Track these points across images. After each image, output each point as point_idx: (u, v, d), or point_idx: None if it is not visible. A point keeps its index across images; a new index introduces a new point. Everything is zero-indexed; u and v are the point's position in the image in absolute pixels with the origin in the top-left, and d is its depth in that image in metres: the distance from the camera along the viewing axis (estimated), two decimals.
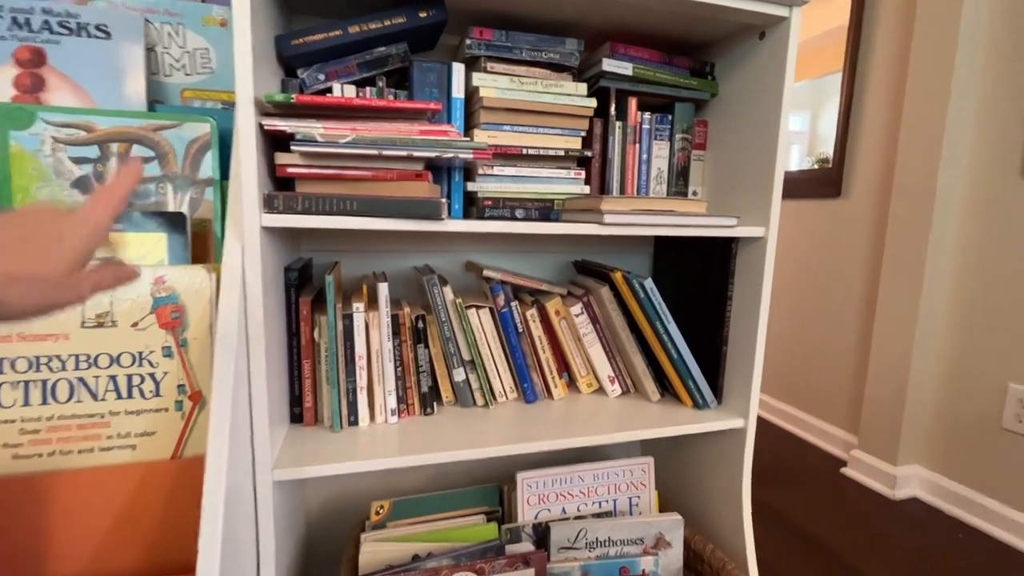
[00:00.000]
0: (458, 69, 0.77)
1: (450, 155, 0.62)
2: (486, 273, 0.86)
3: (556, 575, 0.80)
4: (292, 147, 0.58)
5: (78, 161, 0.60)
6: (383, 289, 0.75)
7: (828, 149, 1.84)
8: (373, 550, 0.76)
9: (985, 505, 1.36)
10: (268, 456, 0.62)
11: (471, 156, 0.62)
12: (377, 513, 0.86)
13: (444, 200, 0.62)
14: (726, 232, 0.78)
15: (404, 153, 0.60)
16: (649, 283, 0.81)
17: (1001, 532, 1.32)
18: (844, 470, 1.66)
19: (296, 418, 0.77)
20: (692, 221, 0.75)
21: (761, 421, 2.05)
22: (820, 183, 1.82)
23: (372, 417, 0.78)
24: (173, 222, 0.59)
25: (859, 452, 1.63)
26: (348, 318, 0.74)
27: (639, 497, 0.93)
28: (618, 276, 0.82)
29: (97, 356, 0.53)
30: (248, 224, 0.58)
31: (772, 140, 0.78)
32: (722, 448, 0.90)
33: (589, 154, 0.86)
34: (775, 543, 1.27)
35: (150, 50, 0.67)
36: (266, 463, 0.62)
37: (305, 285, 0.80)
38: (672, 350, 0.84)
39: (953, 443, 1.46)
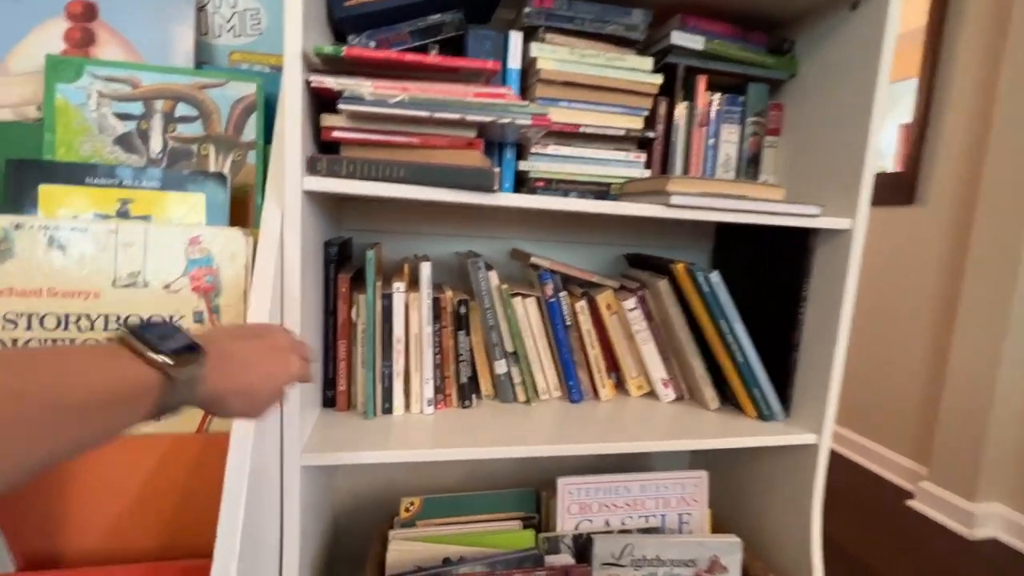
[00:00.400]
0: (515, 38, 0.72)
1: (506, 120, 0.56)
2: (534, 260, 0.81)
3: None
4: (339, 106, 0.54)
5: (122, 117, 0.57)
6: (425, 268, 0.70)
7: (886, 163, 1.72)
8: (402, 549, 0.71)
9: None
10: (297, 438, 0.58)
11: (529, 122, 0.57)
12: (407, 510, 0.81)
13: (496, 169, 0.57)
14: (807, 223, 0.69)
15: (457, 116, 0.55)
16: (716, 276, 0.73)
17: None
18: (910, 503, 1.51)
19: (328, 402, 0.73)
20: (769, 208, 0.67)
21: None
22: (890, 189, 1.68)
23: (407, 406, 0.73)
24: (213, 183, 0.56)
25: (929, 484, 1.48)
26: (387, 298, 0.69)
27: (690, 514, 0.84)
28: (680, 268, 0.75)
29: (127, 317, 0.50)
30: (289, 186, 0.54)
31: (863, 123, 0.69)
32: (789, 466, 0.81)
33: (652, 135, 0.79)
34: None
35: (200, 9, 0.65)
36: (295, 446, 0.58)
37: (345, 263, 0.76)
38: (737, 353, 0.76)
39: None
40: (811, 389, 0.77)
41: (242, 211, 0.61)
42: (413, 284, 0.73)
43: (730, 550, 0.77)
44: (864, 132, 0.69)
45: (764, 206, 0.67)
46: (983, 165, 1.39)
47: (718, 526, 0.90)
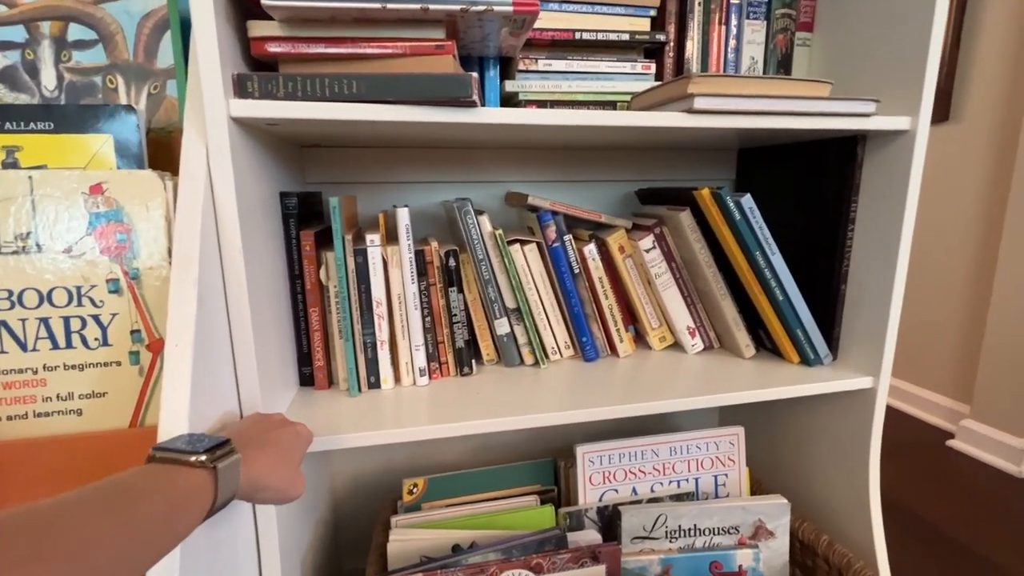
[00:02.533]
0: None
1: (481, 7, 0.44)
2: (532, 200, 0.69)
3: (630, 570, 0.65)
4: (264, 3, 0.42)
5: (1, 47, 0.46)
6: (403, 216, 0.59)
7: None
8: (404, 538, 0.62)
9: None
10: None
11: (510, 8, 0.44)
12: (410, 493, 0.72)
13: (474, 75, 0.45)
14: (859, 124, 0.57)
15: (417, 6, 0.43)
16: (748, 200, 0.62)
17: None
18: (951, 443, 1.42)
19: (306, 380, 0.63)
20: (815, 108, 0.55)
21: None
22: None
23: (397, 379, 0.63)
24: (120, 118, 0.45)
25: (971, 422, 1.39)
26: (361, 254, 0.59)
27: (726, 475, 0.75)
28: (705, 194, 0.63)
29: (22, 292, 0.40)
30: (212, 113, 0.43)
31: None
32: (838, 416, 0.71)
33: (661, 39, 0.66)
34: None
35: None
36: None
37: (311, 220, 0.66)
38: (776, 289, 0.65)
39: None
40: (864, 326, 0.66)
41: (167, 157, 0.50)
42: (391, 237, 0.62)
43: (777, 513, 0.68)
44: (927, 8, 0.56)
45: (808, 105, 0.55)
46: None
47: (757, 487, 0.82)
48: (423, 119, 0.46)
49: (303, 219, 0.60)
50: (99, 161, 0.44)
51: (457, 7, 0.44)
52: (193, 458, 0.32)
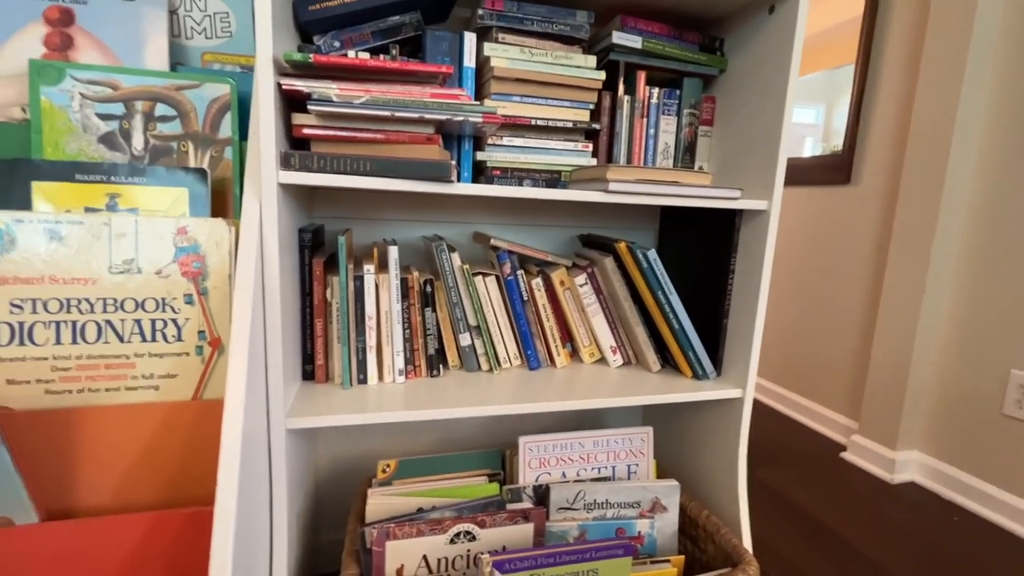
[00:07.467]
0: (470, 38, 0.78)
1: (460, 119, 0.63)
2: (493, 242, 0.89)
3: (554, 532, 0.83)
4: (309, 107, 0.60)
5: (104, 117, 0.62)
6: (393, 252, 0.77)
7: (841, 142, 1.83)
8: (379, 502, 0.79)
9: (982, 490, 1.37)
10: (282, 404, 0.65)
11: (480, 120, 0.64)
12: (384, 471, 0.89)
13: (453, 163, 0.64)
14: (729, 204, 0.79)
15: (416, 115, 0.62)
16: (652, 253, 0.83)
17: (998, 516, 1.34)
18: (843, 455, 1.68)
19: (308, 375, 0.80)
20: (696, 192, 0.77)
21: (762, 406, 2.07)
22: (831, 169, 1.81)
23: (380, 376, 0.81)
24: (195, 177, 0.62)
25: (859, 437, 1.65)
26: (359, 279, 0.77)
27: (638, 464, 0.95)
28: (622, 246, 0.84)
29: (123, 300, 0.56)
30: (266, 180, 0.60)
31: (778, 114, 0.79)
32: (720, 418, 0.92)
33: (597, 127, 0.88)
34: (770, 519, 1.30)
35: (172, 13, 0.70)
36: (280, 410, 0.65)
37: (318, 249, 0.83)
38: (673, 320, 0.86)
39: (953, 428, 1.47)
40: (738, 351, 0.88)
41: (221, 202, 0.67)
42: (382, 266, 0.81)
43: (669, 492, 0.88)
44: (778, 122, 0.79)
45: (693, 190, 0.76)
46: (905, 147, 1.53)
47: (662, 474, 1.02)
48: (415, 189, 0.65)
49: (313, 248, 0.78)
50: (176, 206, 0.61)
51: (444, 117, 0.63)
52: None
